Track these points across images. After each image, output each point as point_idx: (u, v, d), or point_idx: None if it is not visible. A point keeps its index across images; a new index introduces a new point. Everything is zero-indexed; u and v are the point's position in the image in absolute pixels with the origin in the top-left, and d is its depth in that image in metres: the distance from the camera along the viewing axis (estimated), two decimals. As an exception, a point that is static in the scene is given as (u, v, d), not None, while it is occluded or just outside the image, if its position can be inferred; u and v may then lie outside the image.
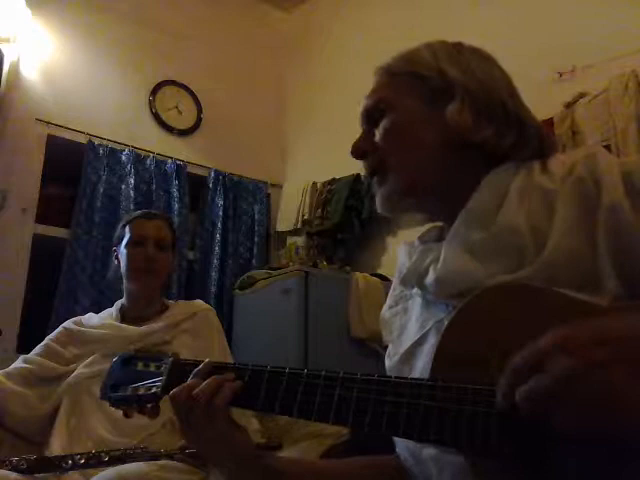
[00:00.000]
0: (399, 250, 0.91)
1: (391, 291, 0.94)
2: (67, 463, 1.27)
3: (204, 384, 0.77)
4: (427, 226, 0.92)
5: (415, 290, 0.84)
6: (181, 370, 0.83)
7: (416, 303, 0.84)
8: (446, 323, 0.68)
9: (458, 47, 0.87)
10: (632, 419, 0.47)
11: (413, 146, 0.83)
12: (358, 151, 0.88)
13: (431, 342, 0.75)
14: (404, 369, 0.82)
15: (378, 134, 0.85)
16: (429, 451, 0.73)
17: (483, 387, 0.59)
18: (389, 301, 0.93)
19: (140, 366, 0.88)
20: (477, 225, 0.75)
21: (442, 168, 0.82)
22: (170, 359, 0.85)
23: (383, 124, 0.85)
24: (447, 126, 0.80)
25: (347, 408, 0.66)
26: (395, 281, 0.93)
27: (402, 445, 0.82)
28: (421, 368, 0.77)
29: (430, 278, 0.77)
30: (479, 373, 0.61)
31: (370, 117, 0.88)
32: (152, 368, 0.87)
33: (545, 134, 0.84)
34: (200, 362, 0.82)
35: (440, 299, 0.78)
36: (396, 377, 0.67)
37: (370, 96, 0.89)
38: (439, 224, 0.90)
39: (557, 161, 0.78)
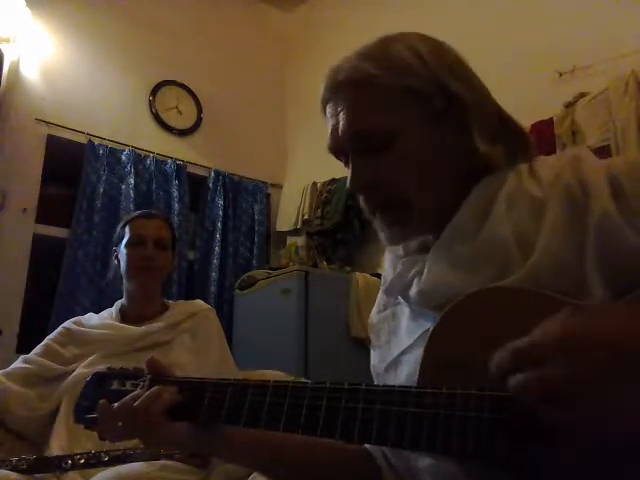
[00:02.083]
0: (385, 258, 0.90)
1: (379, 296, 0.93)
2: (67, 463, 1.27)
3: (143, 396, 0.78)
4: None
5: (400, 300, 0.84)
6: None
7: (405, 311, 0.84)
8: (432, 328, 0.67)
9: (435, 44, 0.80)
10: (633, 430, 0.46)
11: (435, 177, 0.77)
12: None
13: (418, 352, 0.73)
14: (389, 377, 0.81)
15: (388, 164, 0.76)
16: (423, 462, 0.72)
17: (472, 392, 0.58)
18: (377, 305, 0.92)
19: (116, 385, 0.86)
20: (462, 238, 0.74)
21: (453, 192, 0.78)
22: (148, 376, 0.83)
23: (396, 155, 0.76)
24: (456, 148, 0.76)
25: (335, 420, 0.65)
26: (382, 286, 0.92)
27: (394, 454, 0.81)
28: (405, 376, 0.77)
29: (413, 290, 0.76)
30: (467, 377, 0.60)
31: (369, 144, 0.77)
32: (129, 386, 0.84)
33: (528, 134, 0.82)
34: (177, 379, 0.81)
35: (424, 310, 0.77)
36: (367, 385, 0.65)
37: (361, 119, 0.77)
38: None
39: (544, 164, 0.77)
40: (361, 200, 0.81)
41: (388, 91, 0.76)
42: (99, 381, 0.88)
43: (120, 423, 0.79)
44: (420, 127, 0.76)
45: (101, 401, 0.81)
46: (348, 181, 0.79)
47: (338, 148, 0.82)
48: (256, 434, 0.77)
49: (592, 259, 0.65)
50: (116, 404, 0.79)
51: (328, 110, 0.82)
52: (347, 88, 0.78)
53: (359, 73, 0.77)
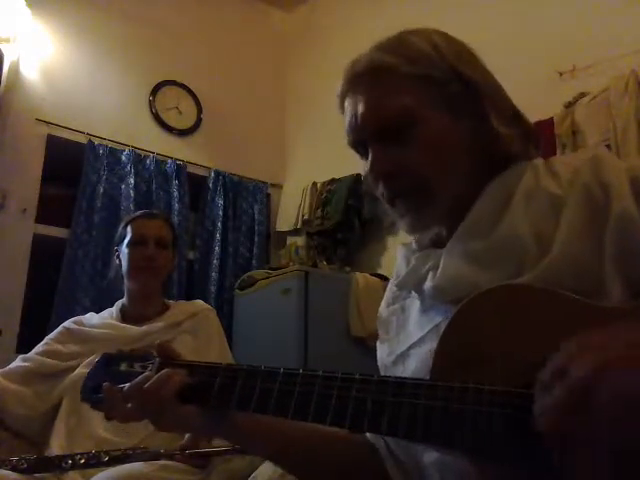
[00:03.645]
0: (397, 251, 0.90)
1: (388, 289, 0.93)
2: (67, 463, 1.27)
3: (154, 378, 0.78)
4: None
5: (413, 294, 0.84)
6: None
7: (414, 304, 0.84)
8: (446, 324, 0.67)
9: (451, 39, 0.82)
10: None
11: (455, 162, 0.77)
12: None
13: (428, 346, 0.74)
14: (397, 370, 0.81)
15: (409, 149, 0.77)
16: (430, 456, 0.72)
17: (484, 386, 0.58)
18: (386, 299, 0.92)
19: (124, 367, 0.86)
20: (478, 234, 0.74)
21: (472, 180, 0.78)
22: (157, 359, 0.84)
23: (416, 139, 0.76)
24: (475, 134, 0.77)
25: (345, 409, 0.65)
26: (392, 280, 0.92)
27: (400, 448, 0.81)
28: (413, 369, 0.77)
29: (428, 285, 0.76)
30: (481, 372, 0.60)
31: (387, 130, 0.77)
32: (137, 368, 0.85)
33: (535, 129, 0.83)
34: (187, 362, 0.82)
35: (436, 304, 0.77)
36: (378, 376, 0.66)
37: (381, 105, 0.77)
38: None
39: (561, 163, 0.77)
40: (380, 188, 0.80)
41: (406, 78, 0.77)
42: (108, 362, 0.89)
43: (129, 404, 0.80)
44: (438, 113, 0.77)
45: (105, 384, 0.82)
46: (368, 169, 0.79)
47: (358, 138, 0.82)
48: (264, 419, 0.78)
49: (611, 259, 0.65)
50: (127, 385, 0.80)
51: (347, 102, 0.83)
52: (367, 77, 0.80)
53: (378, 62, 0.79)
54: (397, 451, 0.82)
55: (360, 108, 0.79)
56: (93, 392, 0.86)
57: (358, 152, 0.84)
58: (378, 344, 0.90)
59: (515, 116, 0.80)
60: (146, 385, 0.78)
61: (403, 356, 0.81)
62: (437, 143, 0.77)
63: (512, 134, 0.77)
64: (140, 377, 0.80)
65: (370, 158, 0.79)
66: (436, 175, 0.77)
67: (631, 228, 0.65)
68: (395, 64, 0.77)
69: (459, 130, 0.77)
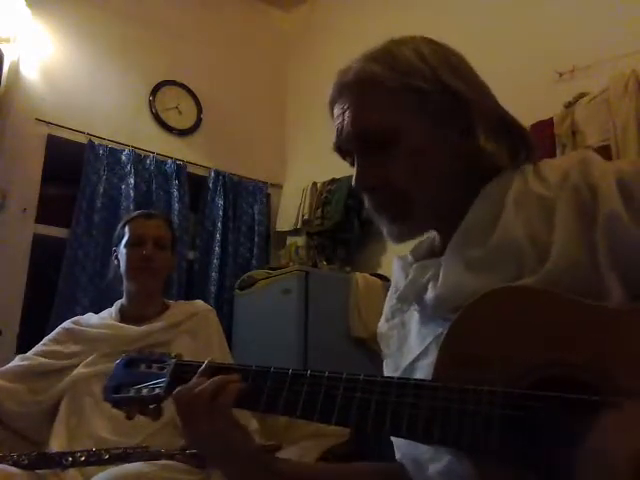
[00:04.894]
0: (393, 264, 0.90)
1: (387, 303, 0.93)
2: (67, 460, 1.27)
3: (209, 382, 0.77)
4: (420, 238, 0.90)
5: (413, 306, 0.83)
6: (184, 371, 0.84)
7: (414, 317, 0.83)
8: (449, 326, 0.67)
9: (438, 47, 0.81)
10: None
11: (436, 175, 0.78)
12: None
13: (431, 357, 0.74)
14: None
15: (391, 164, 0.77)
16: (436, 466, 0.72)
17: (484, 387, 0.59)
18: (385, 314, 0.92)
19: (143, 367, 0.89)
20: (475, 242, 0.74)
21: (456, 192, 0.79)
22: (173, 360, 0.86)
23: (399, 154, 0.77)
24: (459, 147, 0.77)
25: (349, 409, 0.66)
26: (390, 294, 0.92)
27: (407, 458, 0.81)
28: None
29: (429, 296, 0.76)
30: (481, 375, 0.61)
31: (372, 143, 0.78)
32: (155, 369, 0.87)
33: (529, 135, 0.82)
34: (200, 364, 0.83)
35: (439, 315, 0.77)
36: (399, 378, 0.67)
37: (365, 118, 0.78)
38: (430, 236, 0.88)
39: (549, 166, 0.77)
40: (365, 198, 0.82)
41: (391, 91, 0.77)
42: (127, 363, 0.91)
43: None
44: (422, 125, 0.77)
45: (182, 388, 0.81)
46: (353, 181, 0.81)
47: (343, 148, 0.83)
48: (306, 469, 0.82)
49: (605, 259, 0.65)
50: (178, 389, 0.80)
51: (335, 111, 0.83)
52: (352, 88, 0.80)
53: (364, 74, 0.79)
54: (410, 470, 0.81)
55: (346, 119, 0.80)
56: (114, 392, 0.89)
57: (341, 156, 0.85)
58: (384, 364, 0.90)
59: (504, 125, 0.79)
60: (198, 389, 0.77)
61: (408, 371, 0.80)
62: (419, 155, 0.77)
63: (496, 149, 0.77)
64: (192, 382, 0.79)
65: (355, 170, 0.80)
66: (416, 188, 0.77)
67: (619, 229, 0.65)
68: (380, 76, 0.78)
69: (442, 142, 0.78)
